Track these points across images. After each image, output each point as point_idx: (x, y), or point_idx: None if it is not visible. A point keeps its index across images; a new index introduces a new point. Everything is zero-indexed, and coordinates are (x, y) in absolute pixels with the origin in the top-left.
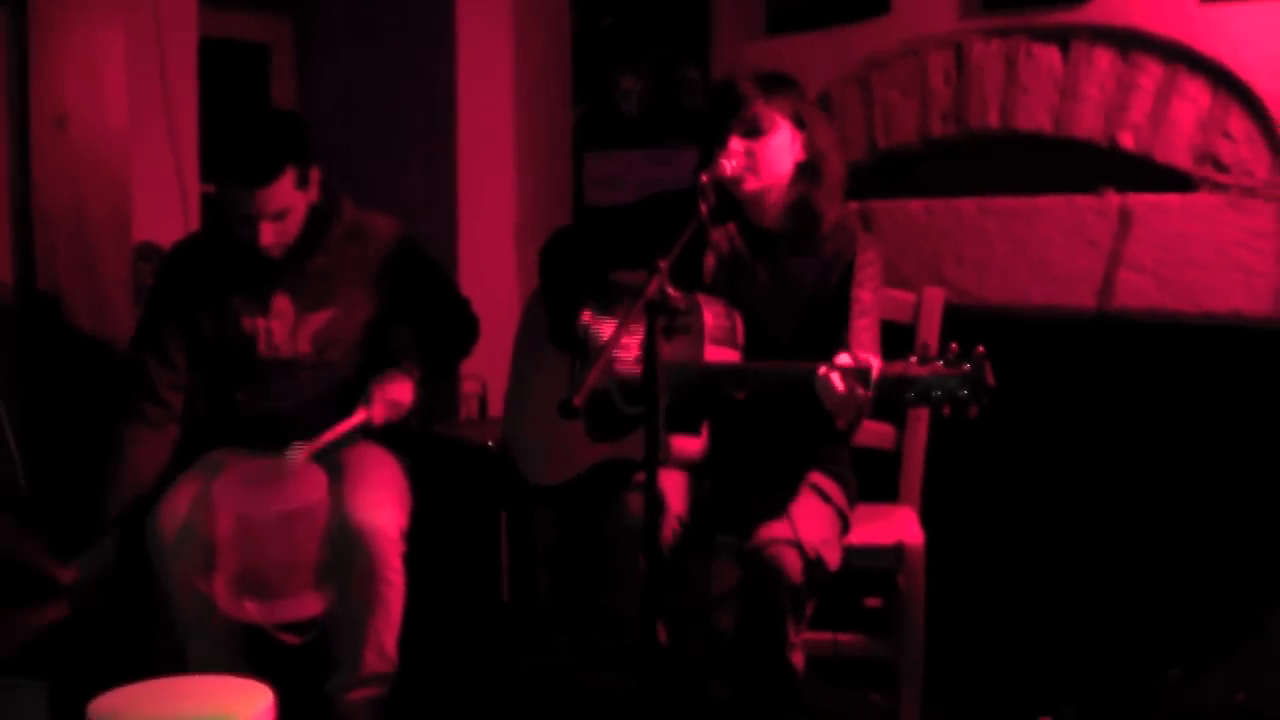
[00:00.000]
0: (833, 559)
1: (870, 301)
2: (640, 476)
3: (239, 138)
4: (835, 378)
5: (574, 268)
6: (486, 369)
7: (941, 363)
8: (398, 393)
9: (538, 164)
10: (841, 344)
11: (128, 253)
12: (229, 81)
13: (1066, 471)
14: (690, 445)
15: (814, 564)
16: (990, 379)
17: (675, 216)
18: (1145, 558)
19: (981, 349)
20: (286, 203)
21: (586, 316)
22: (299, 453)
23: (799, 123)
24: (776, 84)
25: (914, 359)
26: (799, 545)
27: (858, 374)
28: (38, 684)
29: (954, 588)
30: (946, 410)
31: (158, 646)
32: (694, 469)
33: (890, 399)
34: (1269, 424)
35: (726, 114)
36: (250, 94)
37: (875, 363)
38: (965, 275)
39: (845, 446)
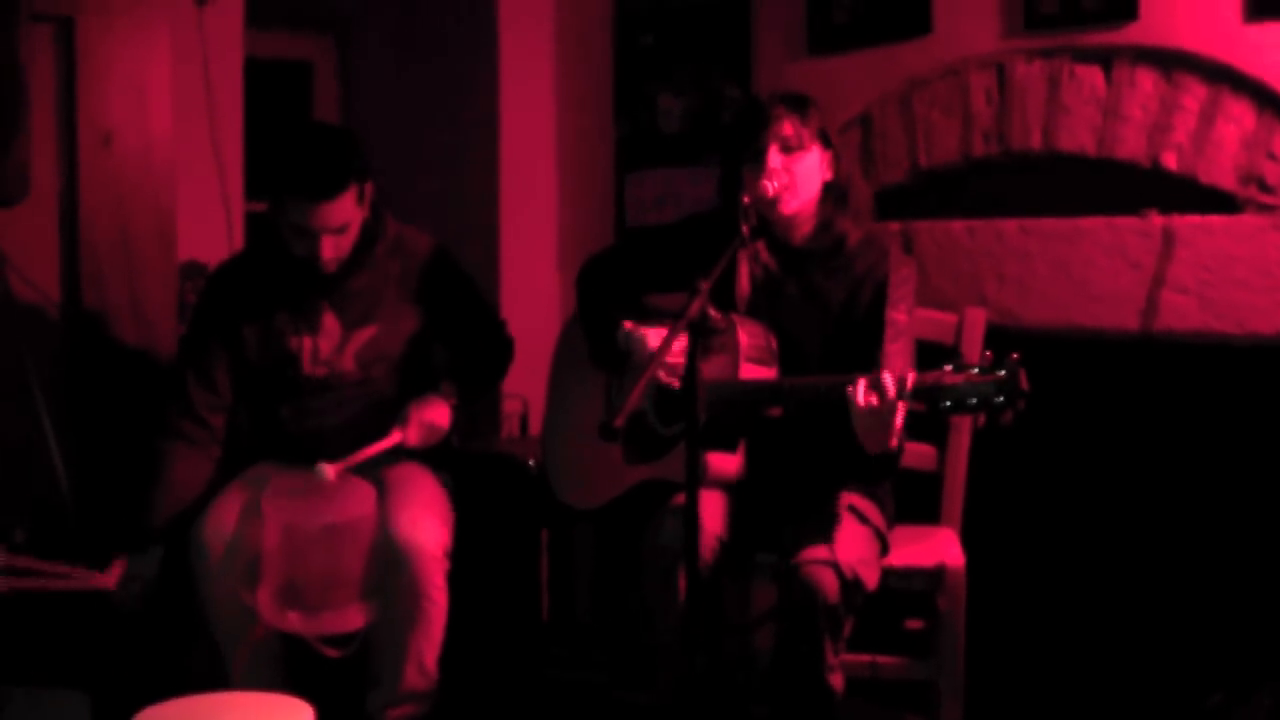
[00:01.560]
0: (870, 579)
1: (904, 323)
2: (678, 498)
3: (305, 152)
4: (864, 386)
5: (610, 290)
6: (528, 388)
7: (976, 370)
8: (434, 415)
9: (579, 183)
10: (874, 365)
11: (173, 270)
12: (272, 100)
13: (1110, 493)
14: (728, 465)
15: (851, 584)
16: (1025, 383)
17: (709, 238)
18: (1189, 580)
19: (1016, 355)
20: (347, 218)
21: (628, 325)
22: (327, 471)
23: (826, 141)
24: (803, 104)
25: (948, 368)
26: (836, 565)
27: (894, 382)
28: (80, 695)
29: (995, 609)
30: (983, 419)
31: (198, 658)
32: (732, 488)
33: (927, 407)
34: None
35: (760, 131)
36: (294, 112)
37: (910, 376)
38: (1007, 296)
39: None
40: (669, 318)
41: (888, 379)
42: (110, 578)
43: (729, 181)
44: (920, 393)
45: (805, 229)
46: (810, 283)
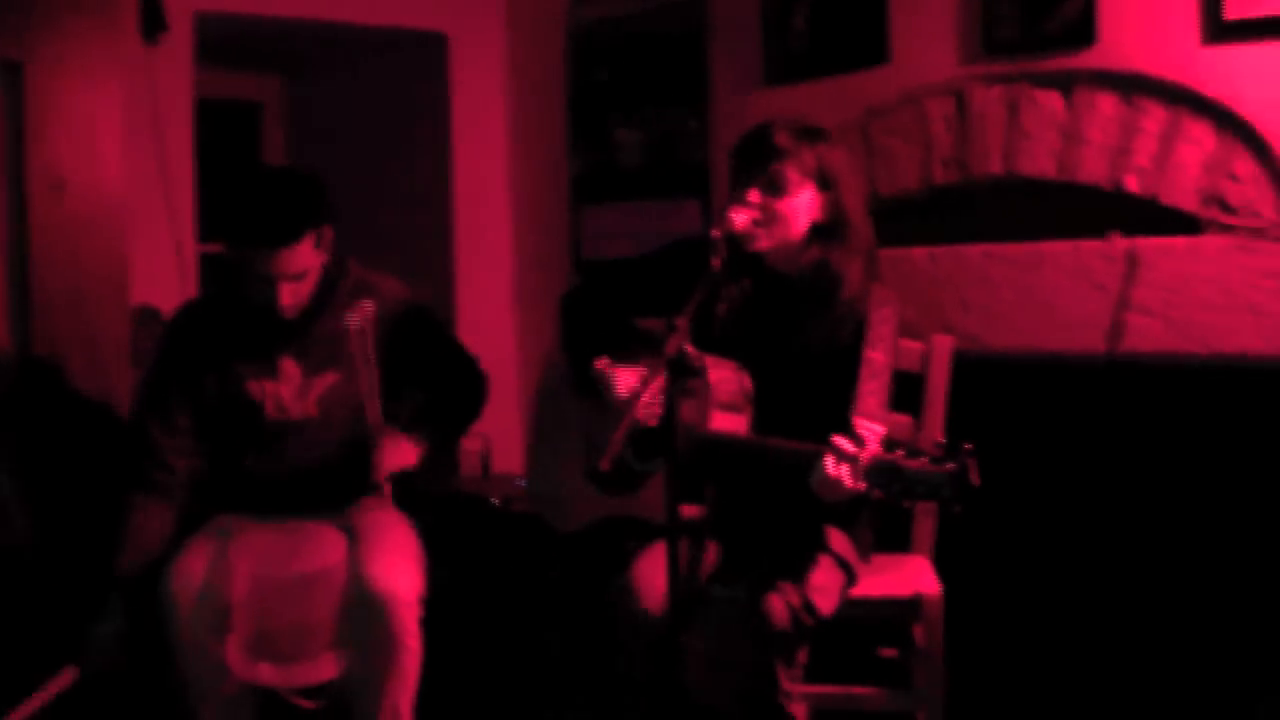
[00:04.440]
0: (826, 606)
1: (882, 363)
2: (643, 555)
3: (262, 198)
4: (829, 462)
5: (592, 318)
6: (489, 426)
7: (928, 459)
8: (400, 448)
9: (535, 219)
10: (848, 405)
11: (126, 316)
12: (220, 140)
13: (1080, 516)
14: (695, 507)
15: (801, 609)
16: (975, 479)
17: (694, 266)
18: (1162, 600)
19: (969, 446)
20: (305, 264)
21: (600, 365)
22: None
23: (823, 184)
24: (807, 140)
25: (901, 451)
26: (783, 590)
27: (848, 460)
28: None
29: (966, 635)
30: (933, 506)
31: (168, 711)
32: (699, 530)
33: (881, 490)
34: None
35: (751, 166)
36: (242, 152)
37: (872, 441)
38: (972, 322)
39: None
40: (649, 349)
41: (829, 465)
42: (65, 679)
43: (732, 199)
44: (873, 472)
45: (792, 266)
46: (791, 320)
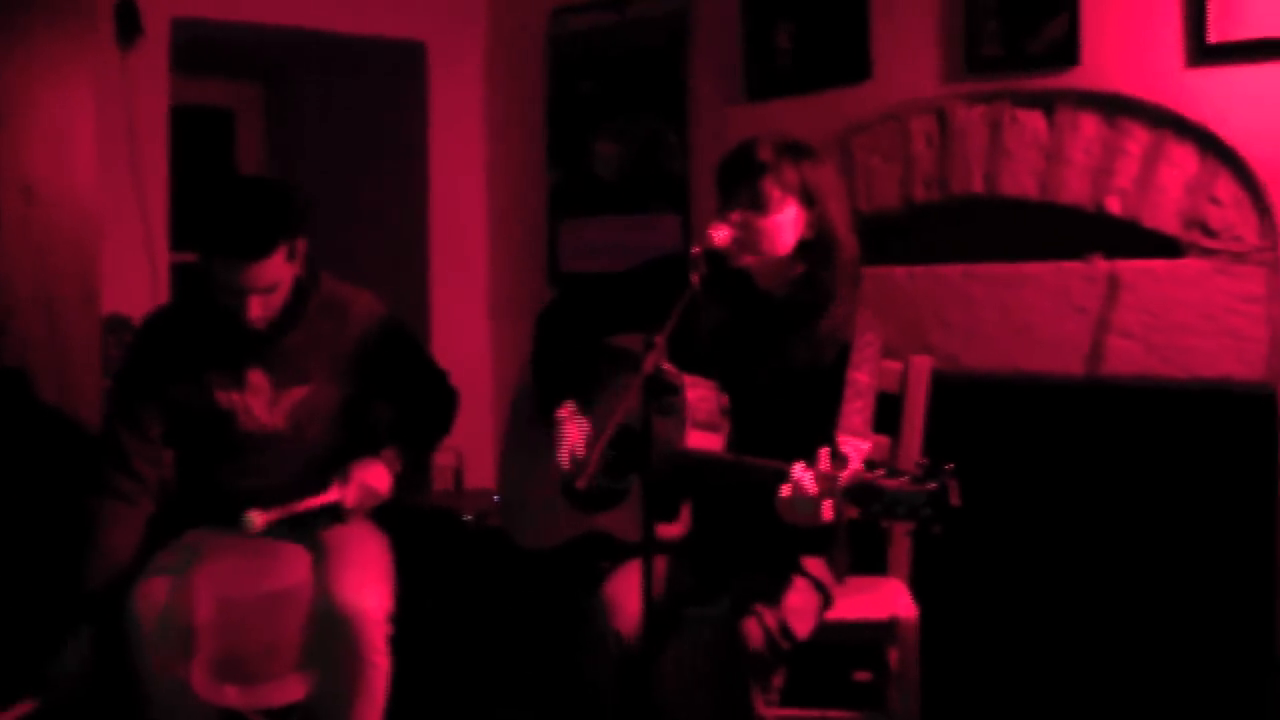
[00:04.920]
0: (801, 629)
1: (866, 384)
2: (615, 576)
3: (233, 210)
4: (807, 480)
5: (566, 343)
6: (462, 439)
7: (909, 478)
8: (375, 479)
9: (512, 231)
10: (831, 424)
11: (96, 325)
12: (195, 147)
13: (1058, 538)
14: (670, 527)
15: (777, 632)
16: (955, 499)
17: (674, 282)
18: (1138, 625)
19: (950, 466)
20: (276, 277)
21: (565, 411)
22: (257, 519)
23: (807, 201)
24: (793, 157)
25: (881, 471)
26: (758, 613)
27: (827, 479)
28: None
29: (942, 658)
30: (911, 527)
31: None
32: (675, 550)
33: (859, 510)
34: (1260, 488)
35: (734, 182)
36: (217, 160)
37: (854, 459)
38: (951, 342)
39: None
40: (627, 366)
41: (808, 480)
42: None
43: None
44: (852, 492)
45: (777, 283)
46: (775, 339)
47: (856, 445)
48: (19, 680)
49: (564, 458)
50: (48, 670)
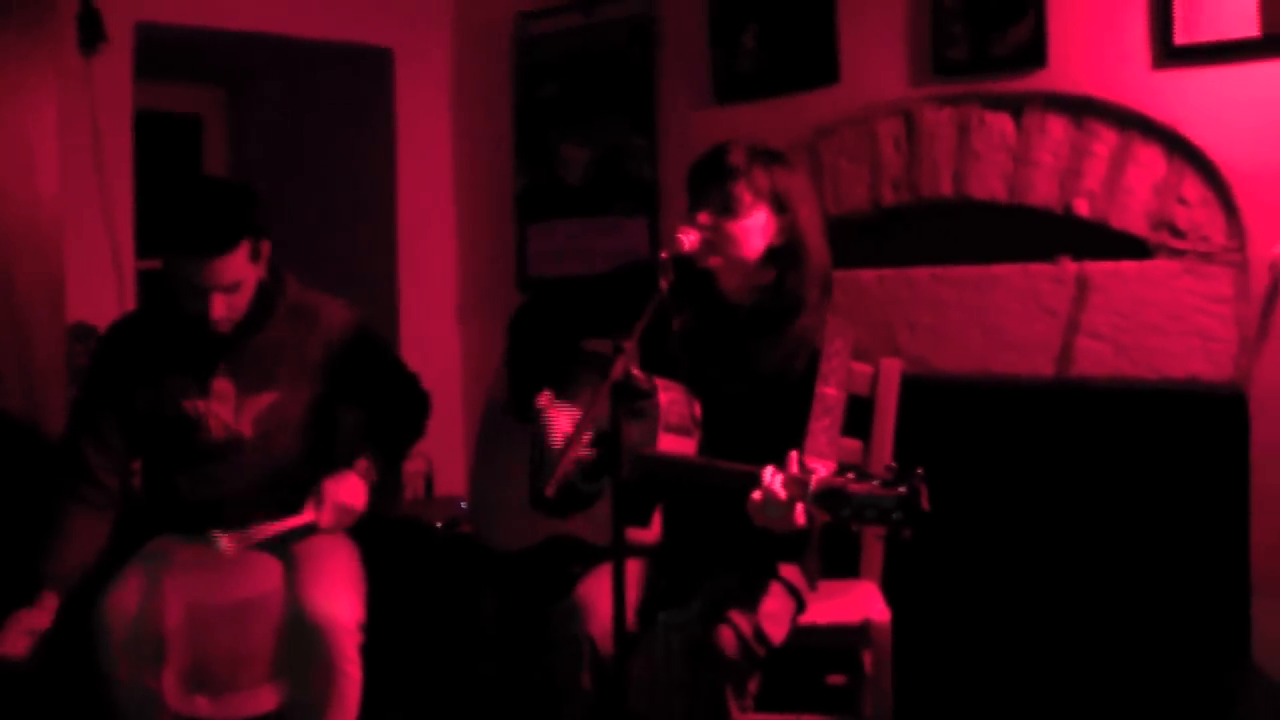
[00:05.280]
0: (776, 634)
1: (834, 398)
2: (585, 581)
3: (194, 207)
4: (777, 485)
5: (540, 341)
6: (432, 447)
7: (879, 482)
8: (350, 497)
9: (479, 236)
10: (796, 442)
11: (61, 333)
12: (160, 153)
13: (1029, 538)
14: (643, 533)
15: (753, 638)
16: (925, 504)
17: (645, 287)
18: (1110, 626)
19: (920, 470)
20: (239, 275)
21: (544, 400)
22: (228, 545)
23: (778, 207)
24: (765, 162)
25: (851, 475)
26: (732, 619)
27: (797, 483)
28: None
29: (915, 660)
30: (882, 531)
31: None
32: (649, 554)
33: (829, 513)
34: (1229, 488)
35: (705, 185)
36: (182, 166)
37: (820, 471)
38: (920, 344)
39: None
40: (596, 371)
41: (778, 484)
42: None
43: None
44: (821, 497)
45: (743, 290)
46: (742, 347)
47: (822, 463)
48: None
49: (556, 443)
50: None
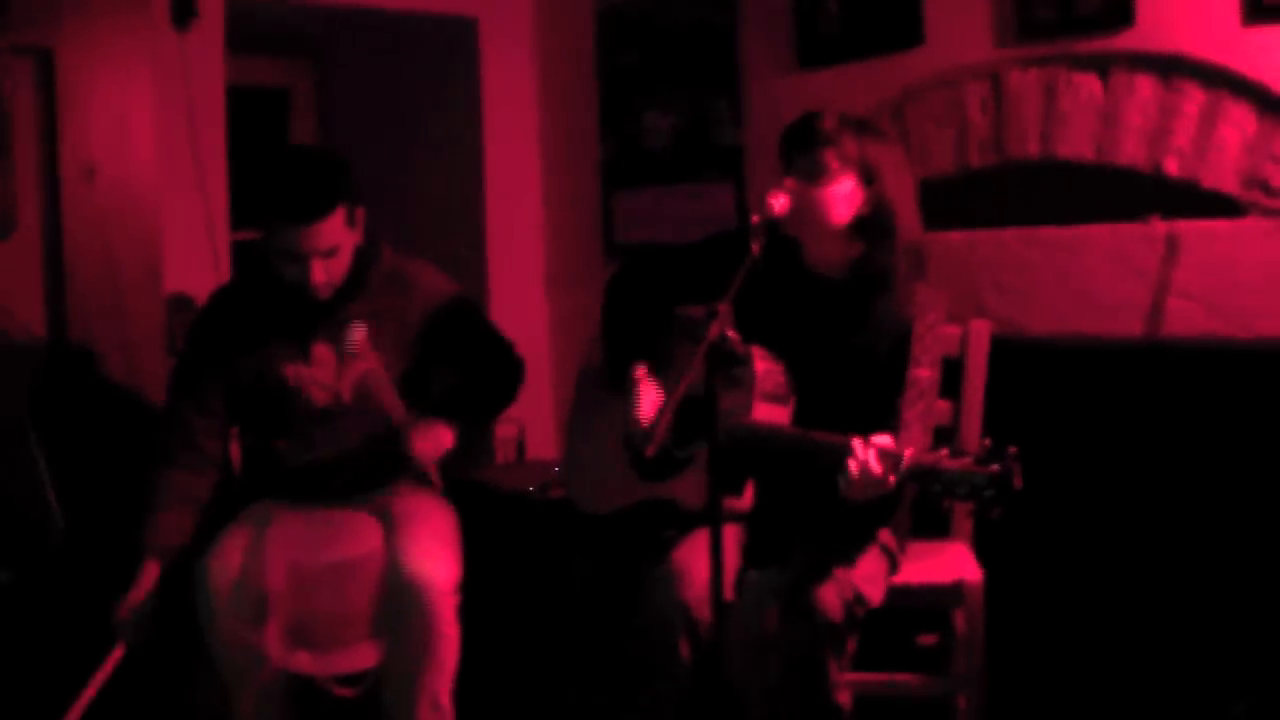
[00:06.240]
0: (874, 596)
1: (928, 379)
2: (678, 550)
3: (290, 174)
4: (871, 458)
5: (635, 310)
6: (523, 411)
7: (972, 459)
8: (436, 431)
9: (565, 203)
10: (886, 421)
11: (159, 304)
12: (249, 126)
13: (1121, 502)
14: (736, 501)
15: (852, 601)
16: (1018, 482)
17: (737, 255)
18: (1203, 587)
19: (1014, 449)
20: (336, 240)
21: (640, 373)
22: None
23: (866, 176)
24: (853, 130)
25: (945, 451)
26: (836, 580)
27: (890, 458)
28: None
29: (1006, 621)
30: (972, 506)
31: (203, 693)
32: (743, 518)
33: (919, 488)
34: None
35: (794, 151)
36: (271, 139)
37: (908, 454)
38: (1009, 306)
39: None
40: (692, 337)
41: (873, 459)
42: (117, 655)
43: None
44: (915, 474)
45: (833, 260)
46: (831, 319)
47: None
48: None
49: (644, 416)
50: (118, 615)
